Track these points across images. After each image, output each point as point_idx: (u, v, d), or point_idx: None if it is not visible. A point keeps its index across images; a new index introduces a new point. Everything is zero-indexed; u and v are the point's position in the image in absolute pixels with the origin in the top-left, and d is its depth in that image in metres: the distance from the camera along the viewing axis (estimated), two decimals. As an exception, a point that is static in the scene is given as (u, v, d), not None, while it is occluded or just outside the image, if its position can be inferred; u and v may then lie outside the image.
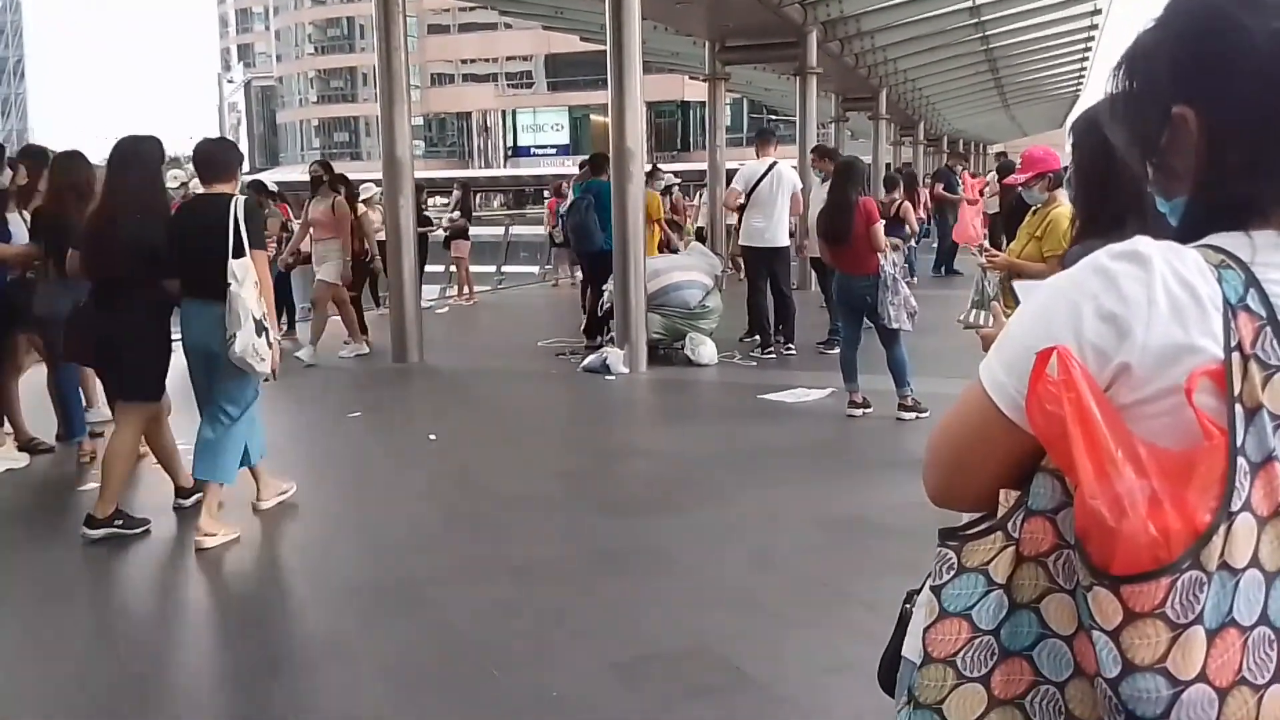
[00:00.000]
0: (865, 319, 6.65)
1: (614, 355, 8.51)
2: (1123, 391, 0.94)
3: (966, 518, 1.11)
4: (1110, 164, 2.16)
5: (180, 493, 5.20)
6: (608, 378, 8.31)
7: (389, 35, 9.20)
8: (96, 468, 5.73)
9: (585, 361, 8.67)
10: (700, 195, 18.43)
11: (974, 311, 4.92)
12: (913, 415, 6.53)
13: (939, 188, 16.60)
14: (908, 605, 1.31)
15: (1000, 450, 1.02)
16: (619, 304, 8.76)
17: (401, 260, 9.42)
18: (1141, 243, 0.96)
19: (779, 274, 9.18)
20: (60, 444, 6.19)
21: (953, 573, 1.04)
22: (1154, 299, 0.92)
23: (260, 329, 4.51)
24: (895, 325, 6.43)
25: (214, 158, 4.86)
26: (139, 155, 4.88)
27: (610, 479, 5.68)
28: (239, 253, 4.50)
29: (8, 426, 6.13)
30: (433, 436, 6.58)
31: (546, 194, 17.52)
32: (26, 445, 6.10)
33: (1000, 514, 1.02)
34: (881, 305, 6.42)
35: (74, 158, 5.89)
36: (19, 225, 5.92)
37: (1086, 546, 0.92)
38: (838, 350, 8.65)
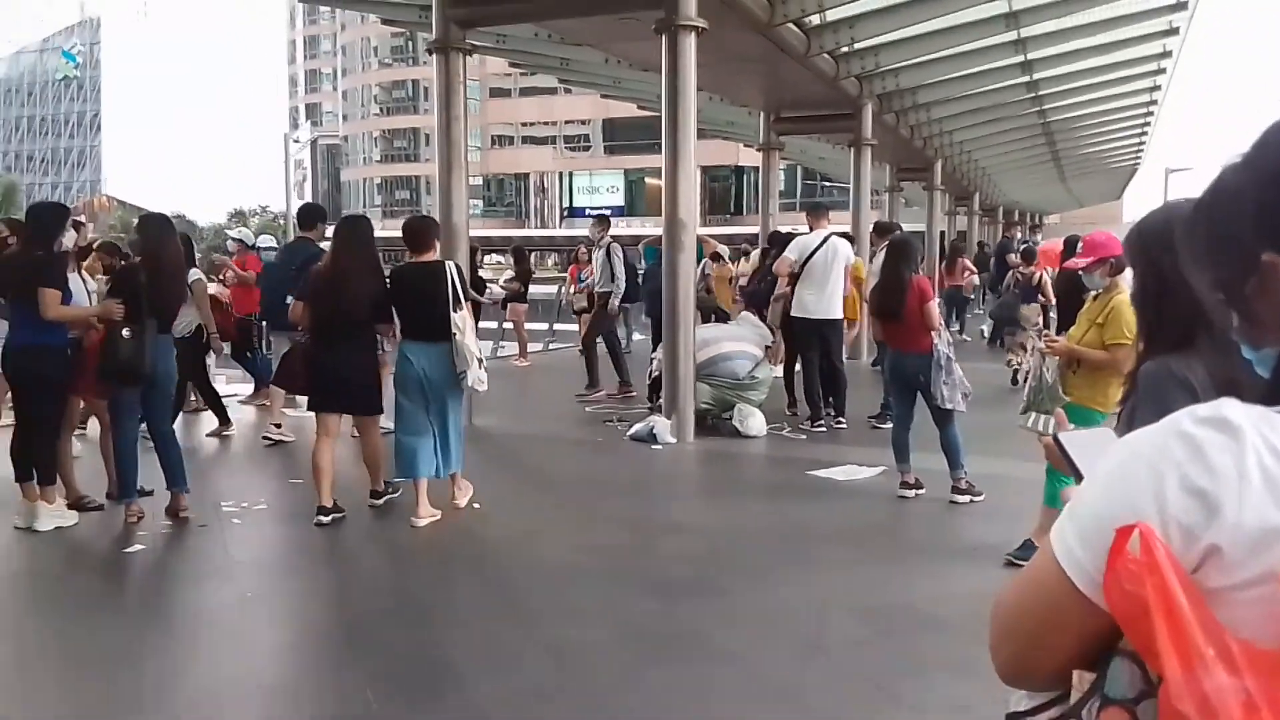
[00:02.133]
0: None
1: (661, 424, 8.44)
2: (1211, 575, 0.85)
3: (1030, 699, 1.02)
4: (1164, 285, 2.07)
5: (375, 495, 6.37)
6: (654, 447, 8.24)
7: (449, 104, 9.37)
8: (144, 529, 5.79)
9: (632, 430, 8.61)
10: (746, 260, 18.43)
11: (1032, 415, 4.79)
12: (967, 499, 6.36)
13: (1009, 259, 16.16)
14: None
15: (1074, 628, 0.93)
16: (668, 373, 8.72)
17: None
18: (1229, 407, 0.88)
19: (832, 345, 9.10)
20: (110, 502, 6.24)
21: None
22: (1246, 473, 0.84)
23: (480, 363, 6.01)
24: (949, 405, 6.29)
25: (420, 235, 6.18)
26: (360, 230, 6.40)
27: (653, 556, 5.57)
28: (456, 306, 5.86)
29: (59, 484, 6.19)
30: (476, 505, 6.54)
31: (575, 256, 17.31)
32: (76, 503, 6.16)
33: (1074, 699, 0.93)
34: (935, 385, 6.30)
35: (157, 223, 6.42)
36: (78, 284, 6.05)
37: None
38: (889, 425, 8.55)
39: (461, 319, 5.92)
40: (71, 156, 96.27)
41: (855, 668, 3.98)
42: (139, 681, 3.92)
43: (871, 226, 11.34)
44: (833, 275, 9.01)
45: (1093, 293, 4.95)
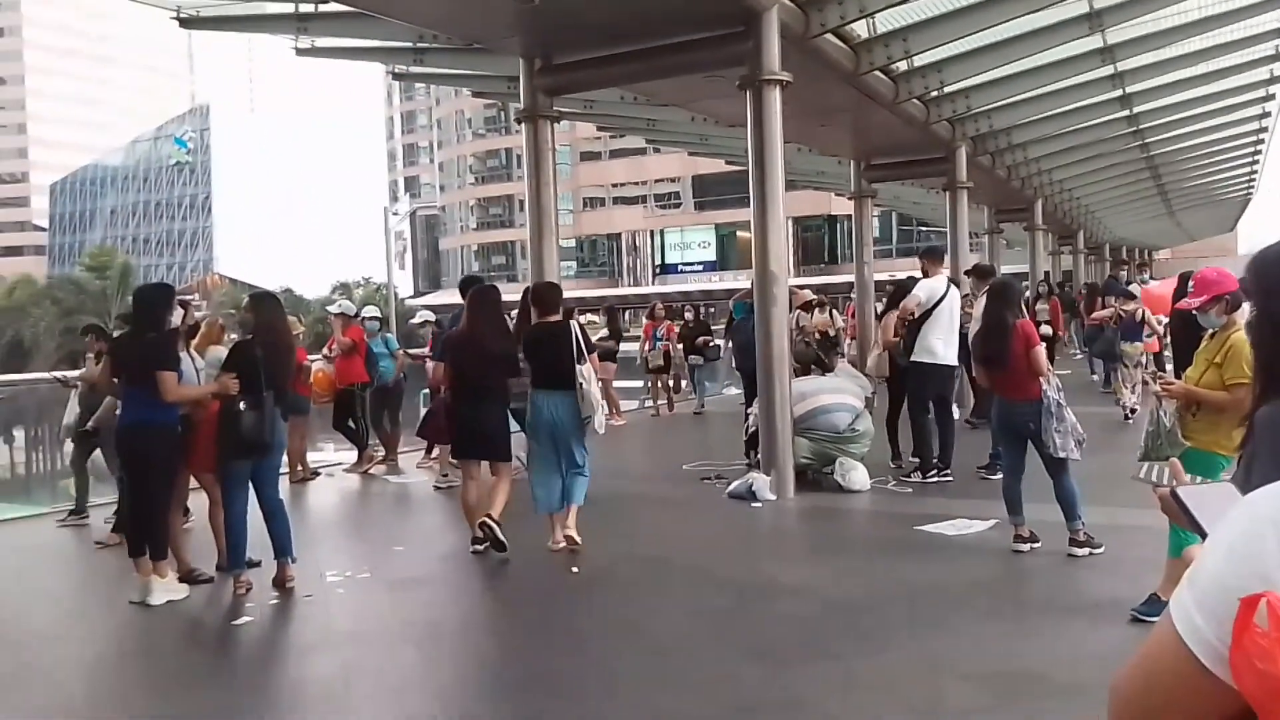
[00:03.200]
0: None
1: (760, 481, 8.29)
2: None
3: None
4: None
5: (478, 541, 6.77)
6: (754, 504, 8.09)
7: (538, 170, 9.55)
8: (251, 600, 5.89)
9: (731, 487, 8.47)
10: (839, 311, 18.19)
11: (1146, 465, 4.54)
12: (1086, 551, 6.06)
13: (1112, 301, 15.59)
14: None
15: (1200, 705, 0.84)
16: (764, 428, 8.59)
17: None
18: None
19: (949, 395, 8.90)
20: (220, 574, 6.37)
21: None
22: None
23: (601, 409, 6.83)
24: (1063, 454, 6.02)
25: (546, 298, 7.08)
26: (489, 297, 7.09)
27: (757, 618, 5.41)
28: (580, 360, 6.61)
29: (170, 557, 6.34)
30: (575, 569, 6.48)
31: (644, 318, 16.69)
32: (187, 576, 6.30)
33: None
34: (1046, 433, 6.04)
35: (271, 300, 6.94)
36: (186, 362, 6.25)
37: None
38: (999, 475, 8.24)
39: (585, 371, 6.66)
40: (185, 238, 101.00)
41: (974, 737, 3.77)
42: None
43: (969, 269, 11.03)
44: (955, 322, 8.85)
45: (1209, 332, 4.71)
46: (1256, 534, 0.82)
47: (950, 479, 8.63)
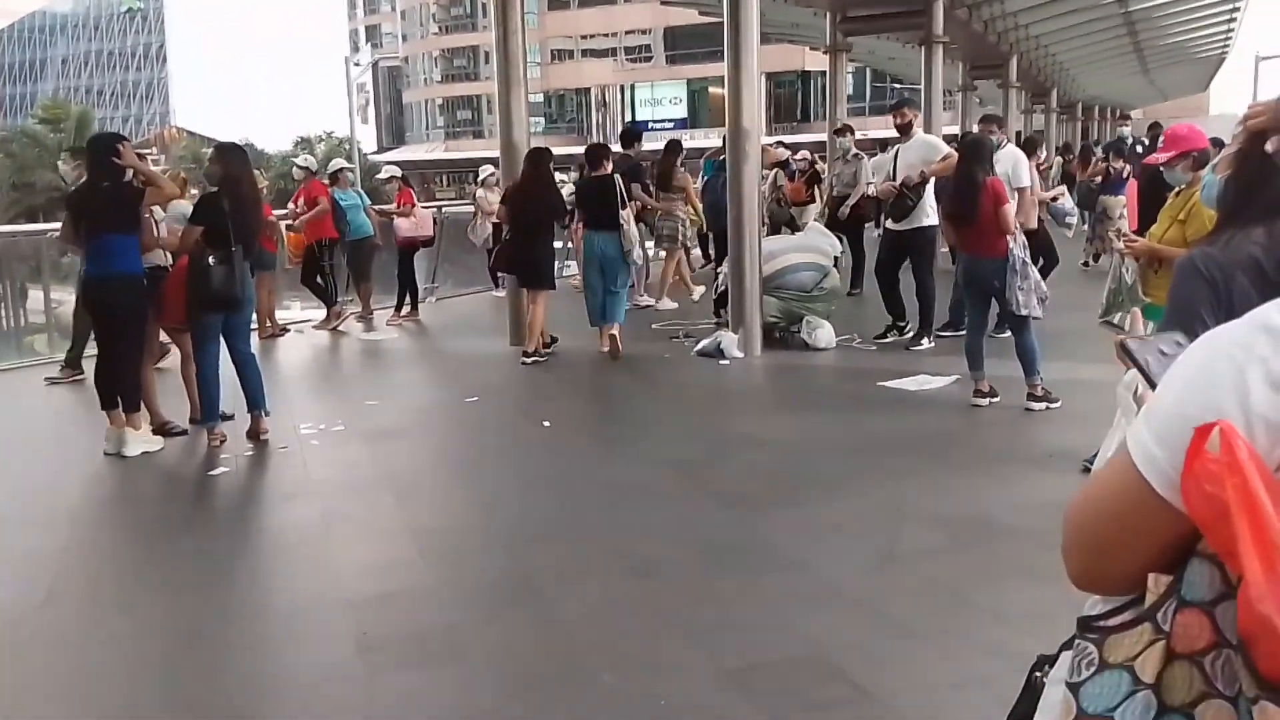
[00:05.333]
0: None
1: (728, 339, 8.39)
2: None
3: (1104, 603, 0.99)
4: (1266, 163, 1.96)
5: (531, 353, 8.36)
6: (722, 362, 8.21)
7: (506, 19, 9.23)
8: (226, 452, 5.97)
9: (700, 345, 8.57)
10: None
11: (1115, 313, 4.64)
12: (1043, 405, 6.24)
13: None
14: (1037, 673, 1.18)
15: (1151, 531, 0.90)
16: (734, 287, 8.63)
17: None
18: None
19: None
20: (193, 427, 6.43)
21: (1093, 669, 0.92)
22: None
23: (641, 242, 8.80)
24: (1025, 311, 6.13)
25: (596, 157, 8.97)
26: (542, 155, 8.56)
27: (724, 469, 5.58)
28: (623, 205, 8.47)
29: (144, 410, 6.38)
30: (546, 423, 6.60)
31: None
32: (161, 429, 6.35)
33: (1149, 602, 0.90)
34: (1010, 290, 6.13)
35: (238, 151, 6.65)
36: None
37: (1251, 652, 0.80)
38: (958, 333, 8.33)
39: (626, 215, 8.48)
40: (140, 89, 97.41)
41: (930, 576, 3.96)
42: (230, 597, 4.07)
43: (980, 120, 10.14)
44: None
45: (1175, 189, 4.75)
46: (1213, 367, 0.86)
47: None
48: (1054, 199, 9.16)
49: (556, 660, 3.41)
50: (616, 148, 11.20)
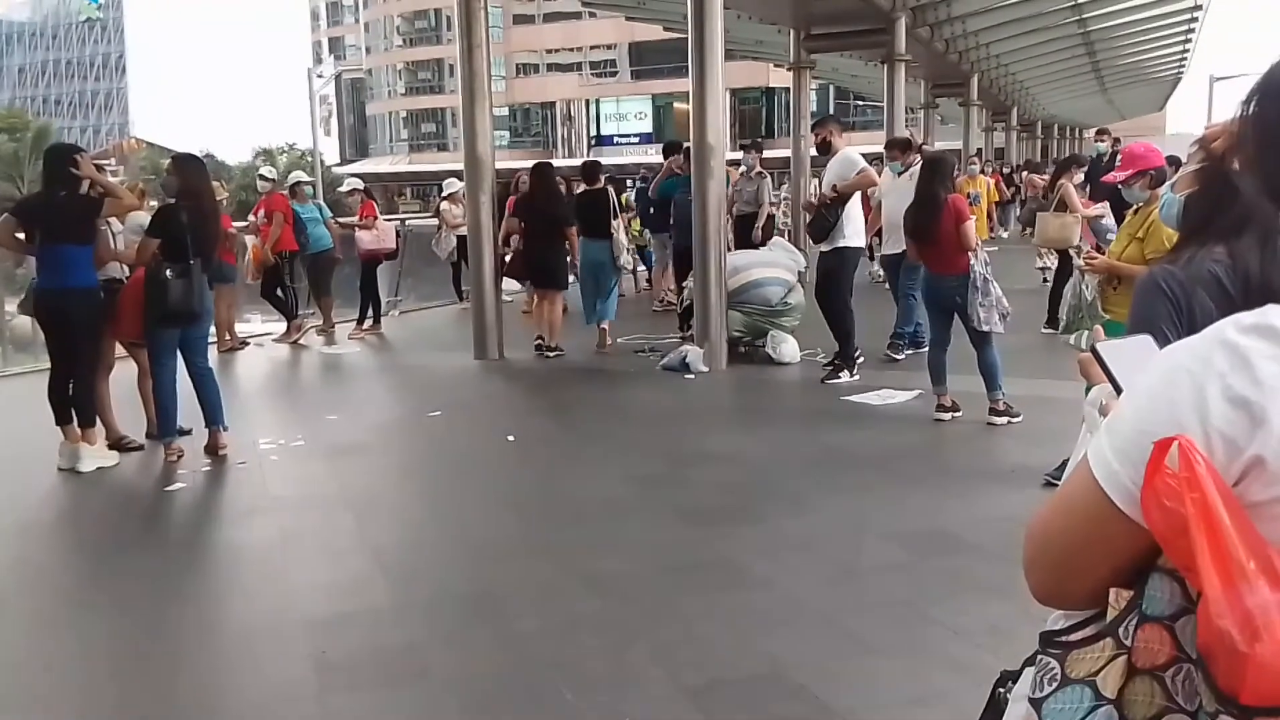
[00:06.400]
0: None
1: (693, 353, 8.40)
2: (1254, 488, 0.82)
3: (1066, 618, 0.99)
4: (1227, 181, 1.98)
5: (545, 349, 9.31)
6: (687, 376, 8.21)
7: (470, 33, 9.22)
8: (184, 467, 5.88)
9: (664, 360, 8.57)
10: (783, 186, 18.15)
11: (1076, 334, 4.68)
12: (1005, 420, 6.29)
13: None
14: (1001, 689, 1.17)
15: (1112, 546, 0.90)
16: (699, 301, 8.65)
17: (482, 256, 9.43)
18: (1275, 314, 0.83)
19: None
20: (150, 442, 6.33)
21: (1055, 684, 0.92)
22: None
23: (627, 250, 10.23)
24: (986, 327, 6.19)
25: (590, 172, 10.12)
26: (548, 170, 9.66)
27: (686, 485, 5.56)
28: (615, 216, 9.66)
29: (99, 425, 6.26)
30: (511, 437, 6.56)
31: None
32: (116, 443, 6.24)
33: (1110, 617, 0.90)
34: (971, 306, 6.18)
35: (196, 163, 6.64)
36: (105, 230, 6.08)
37: (1211, 667, 0.80)
38: (905, 356, 8.39)
39: (617, 225, 9.70)
40: (99, 99, 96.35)
41: (891, 592, 3.97)
42: (183, 616, 3.99)
43: (886, 142, 9.85)
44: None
45: (1133, 206, 4.81)
46: (1172, 382, 0.86)
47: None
48: (1098, 216, 9.18)
49: (518, 678, 3.37)
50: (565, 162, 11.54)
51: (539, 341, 9.37)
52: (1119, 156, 5.47)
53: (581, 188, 10.29)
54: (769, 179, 10.64)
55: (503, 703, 3.23)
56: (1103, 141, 14.43)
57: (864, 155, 8.99)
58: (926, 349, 8.00)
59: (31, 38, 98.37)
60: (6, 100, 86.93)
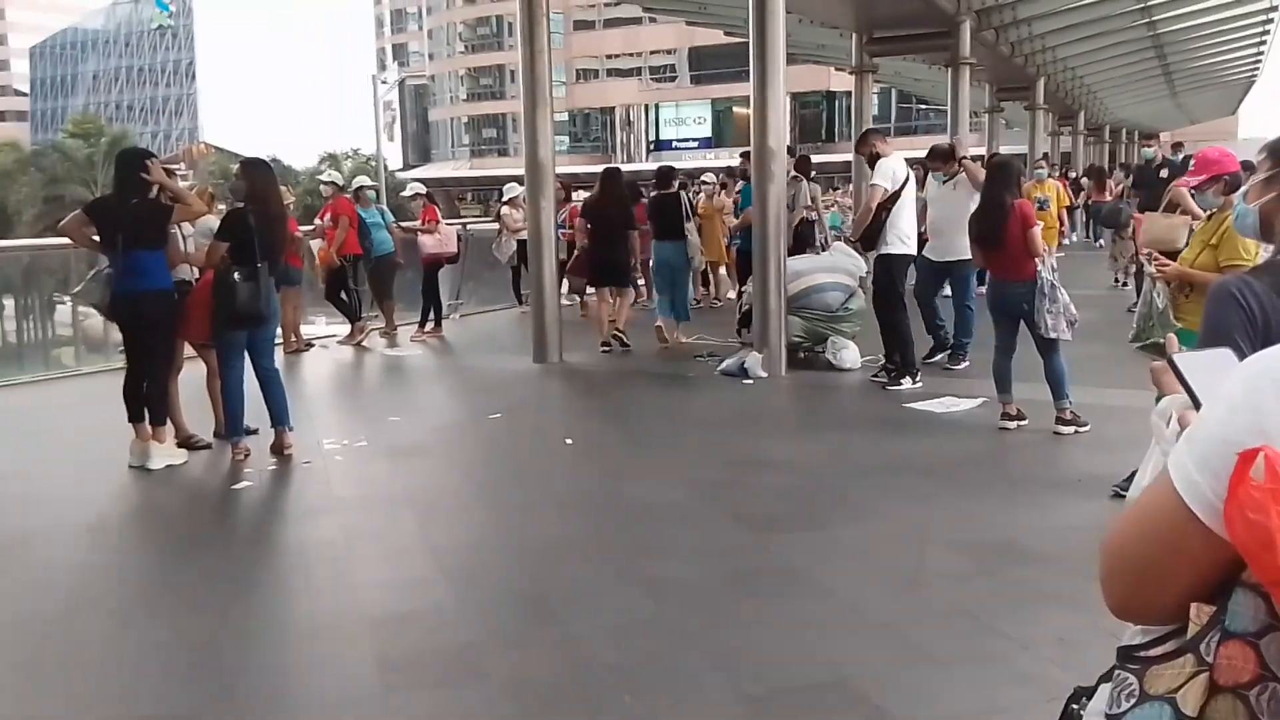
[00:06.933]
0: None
1: (752, 359, 8.36)
2: None
3: (1145, 633, 0.96)
4: None
5: (616, 340, 9.74)
6: (745, 381, 8.17)
7: (532, 38, 9.29)
8: (250, 466, 5.99)
9: (723, 364, 8.54)
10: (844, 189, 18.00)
11: (1146, 338, 4.58)
12: (1071, 429, 6.17)
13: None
14: (1074, 705, 1.14)
15: (1193, 559, 0.87)
16: (758, 306, 8.61)
17: (543, 260, 9.49)
18: None
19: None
20: (218, 441, 6.46)
21: (1133, 701, 0.90)
22: None
23: (701, 251, 10.86)
24: (1054, 335, 6.07)
25: (664, 177, 10.59)
26: (616, 174, 10.13)
27: (746, 491, 5.53)
28: (688, 219, 10.26)
29: (169, 424, 6.41)
30: (569, 440, 6.59)
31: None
32: (185, 442, 6.38)
33: (1191, 633, 0.87)
34: (1039, 313, 6.07)
35: (263, 167, 6.74)
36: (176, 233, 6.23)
37: None
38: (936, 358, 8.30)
39: (690, 227, 10.24)
40: (169, 105, 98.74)
41: (955, 602, 3.90)
42: (249, 613, 4.06)
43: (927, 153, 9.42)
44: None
45: (1206, 213, 4.69)
46: (1257, 390, 0.83)
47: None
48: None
49: (576, 681, 3.38)
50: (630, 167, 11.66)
51: (613, 333, 9.72)
52: (1191, 161, 5.33)
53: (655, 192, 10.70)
54: (805, 183, 10.55)
55: (561, 705, 3.24)
56: (1150, 147, 14.17)
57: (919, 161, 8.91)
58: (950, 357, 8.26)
59: (105, 45, 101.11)
60: (81, 106, 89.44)
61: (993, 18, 15.84)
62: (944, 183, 8.52)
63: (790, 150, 11.21)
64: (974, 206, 7.79)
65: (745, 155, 10.27)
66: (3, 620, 4.07)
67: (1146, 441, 1.08)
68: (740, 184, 10.77)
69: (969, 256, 7.69)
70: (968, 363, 8.27)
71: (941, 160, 8.62)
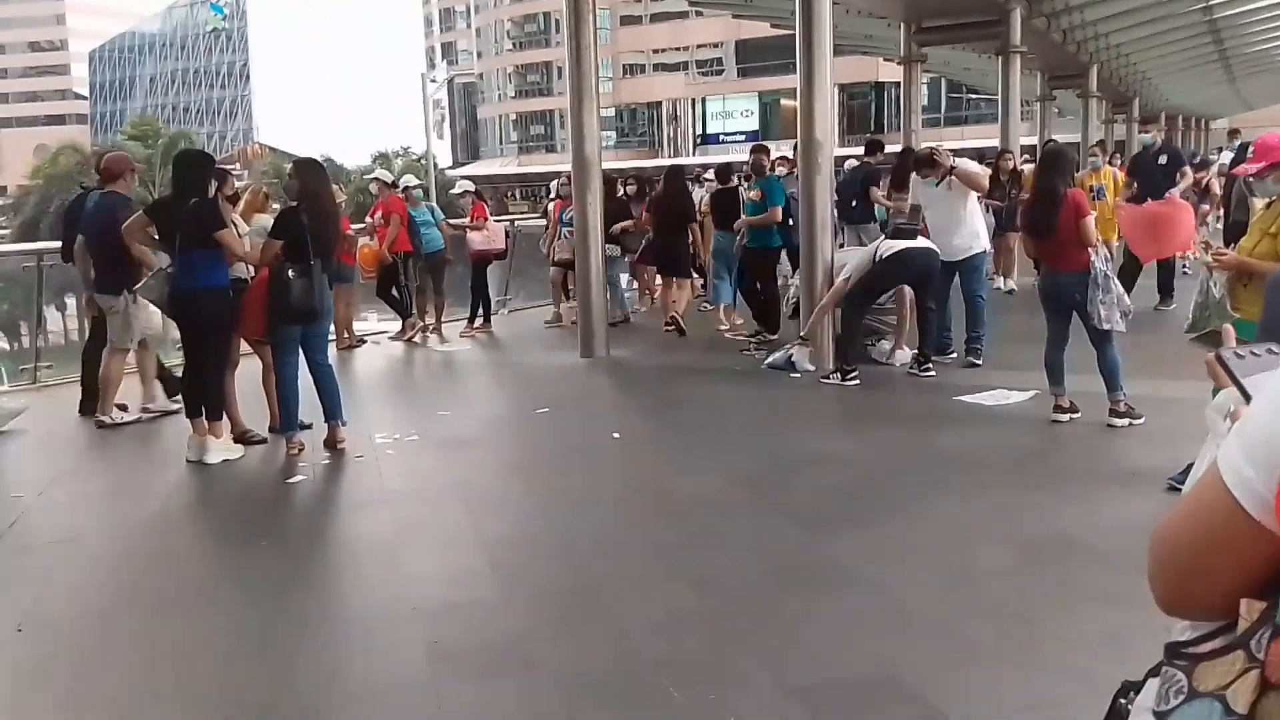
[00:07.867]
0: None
1: (800, 353, 8.32)
2: None
3: (1193, 629, 0.95)
4: None
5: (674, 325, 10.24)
6: (792, 375, 8.14)
7: (579, 35, 9.31)
8: (304, 460, 6.08)
9: (770, 358, 8.51)
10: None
11: (1202, 329, 4.50)
12: (1125, 422, 6.07)
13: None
14: (1122, 700, 1.13)
15: (1243, 553, 0.87)
16: (805, 300, 8.56)
17: (589, 256, 9.52)
18: None
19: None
20: (272, 436, 6.57)
21: (1182, 697, 0.89)
22: None
23: None
24: (1107, 326, 5.97)
25: (723, 173, 10.96)
26: (679, 171, 11.29)
27: (793, 486, 5.52)
28: (738, 215, 10.00)
29: (225, 419, 6.53)
30: (616, 434, 6.61)
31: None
32: (241, 437, 6.50)
33: (1241, 629, 0.86)
34: (1092, 304, 5.97)
35: (316, 167, 6.86)
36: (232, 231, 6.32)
37: None
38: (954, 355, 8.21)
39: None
40: (224, 106, 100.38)
41: (1005, 598, 3.87)
42: (303, 603, 4.14)
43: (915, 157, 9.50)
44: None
45: (1264, 200, 4.60)
46: None
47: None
48: None
49: (624, 674, 3.40)
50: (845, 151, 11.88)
51: (669, 320, 10.24)
52: (1250, 148, 5.21)
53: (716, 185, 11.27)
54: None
55: (608, 697, 3.26)
56: (1147, 133, 13.88)
57: (975, 152, 8.86)
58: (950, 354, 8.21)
59: (162, 48, 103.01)
60: (139, 109, 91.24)
61: (1044, 4, 15.58)
62: (935, 185, 8.45)
63: (877, 144, 11.71)
64: (971, 204, 8.39)
65: (760, 149, 10.25)
66: (65, 612, 4.19)
67: (1202, 435, 1.07)
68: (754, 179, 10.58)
69: (975, 251, 8.31)
70: (980, 362, 8.07)
71: (928, 168, 8.64)
